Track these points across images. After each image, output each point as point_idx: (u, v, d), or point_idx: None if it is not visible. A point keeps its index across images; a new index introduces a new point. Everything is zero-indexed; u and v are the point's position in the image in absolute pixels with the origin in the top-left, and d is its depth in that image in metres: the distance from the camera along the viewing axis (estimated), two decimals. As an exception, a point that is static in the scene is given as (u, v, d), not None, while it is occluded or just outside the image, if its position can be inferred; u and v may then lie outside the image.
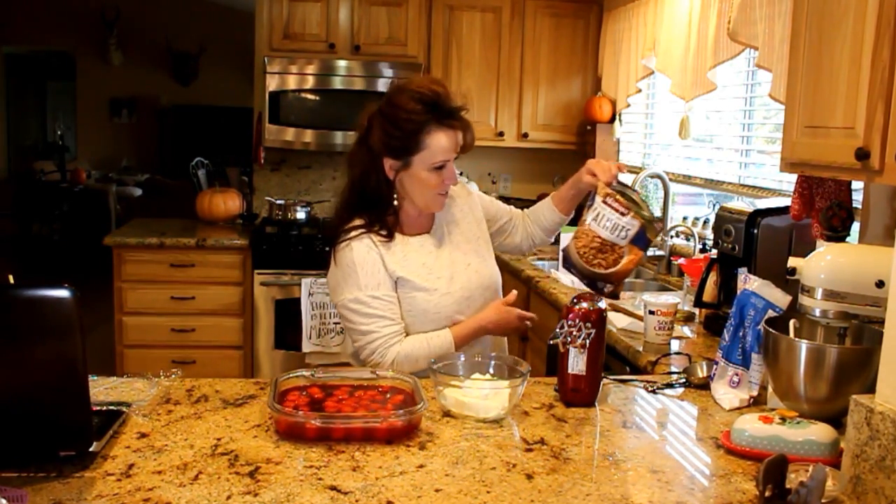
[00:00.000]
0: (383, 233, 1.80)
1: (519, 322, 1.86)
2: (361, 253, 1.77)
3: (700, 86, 2.94)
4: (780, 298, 1.60)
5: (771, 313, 1.60)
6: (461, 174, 4.22)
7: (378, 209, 1.80)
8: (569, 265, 1.80)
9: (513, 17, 4.08)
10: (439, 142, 1.73)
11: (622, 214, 1.73)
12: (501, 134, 4.14)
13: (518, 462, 1.32)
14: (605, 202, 1.74)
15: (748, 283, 1.64)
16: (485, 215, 1.99)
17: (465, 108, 1.79)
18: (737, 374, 1.63)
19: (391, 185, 1.78)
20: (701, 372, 1.74)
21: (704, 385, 1.73)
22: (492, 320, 1.83)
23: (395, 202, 1.80)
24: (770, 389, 1.59)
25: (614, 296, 1.81)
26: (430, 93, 1.73)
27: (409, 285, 1.79)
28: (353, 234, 1.79)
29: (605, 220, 1.74)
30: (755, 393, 1.62)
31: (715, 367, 1.68)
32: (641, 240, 1.74)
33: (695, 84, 2.97)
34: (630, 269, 1.75)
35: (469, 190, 2.02)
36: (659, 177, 3.38)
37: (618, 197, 1.74)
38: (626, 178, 3.97)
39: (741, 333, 1.63)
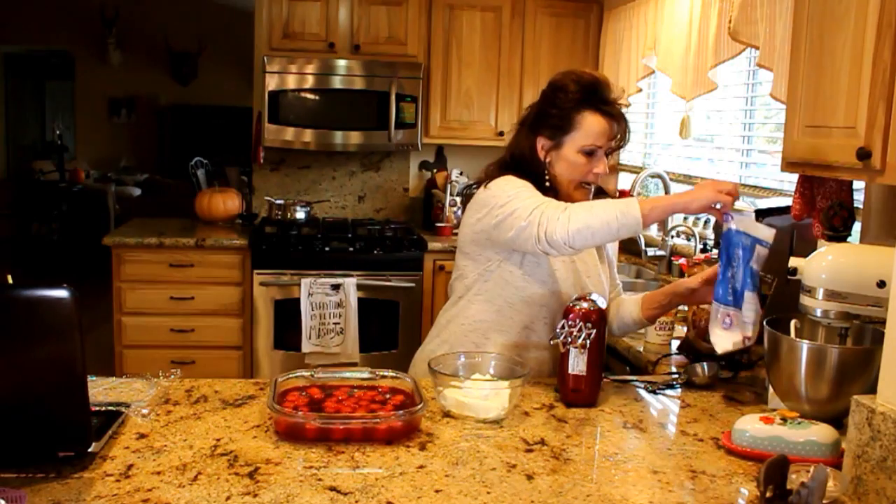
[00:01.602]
0: None
1: (714, 194, 1.58)
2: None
3: (701, 85, 2.94)
4: (767, 233, 1.57)
5: (760, 249, 1.56)
6: (461, 173, 4.22)
7: (531, 182, 1.77)
8: (696, 353, 1.85)
9: (513, 16, 4.08)
10: (591, 124, 1.74)
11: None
12: (501, 134, 4.13)
13: (518, 462, 1.31)
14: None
15: (731, 222, 1.58)
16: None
17: (624, 104, 1.81)
18: (728, 316, 1.57)
19: (543, 165, 1.79)
20: (701, 372, 1.74)
21: (705, 385, 1.73)
22: (685, 196, 1.63)
23: (548, 183, 1.78)
24: (771, 390, 1.58)
25: (752, 363, 1.86)
26: (590, 78, 1.78)
27: (531, 260, 1.75)
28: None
29: None
30: (749, 333, 1.55)
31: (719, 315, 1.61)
32: None
33: (695, 83, 2.97)
34: (757, 330, 1.71)
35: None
36: (659, 177, 3.37)
37: None
38: (626, 178, 3.97)
39: (730, 274, 1.57)
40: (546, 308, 1.78)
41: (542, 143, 1.78)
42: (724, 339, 1.56)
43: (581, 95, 1.74)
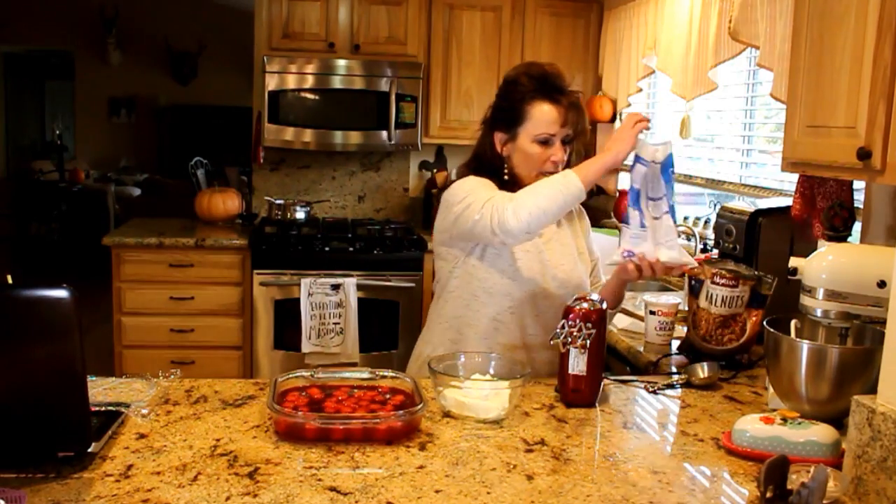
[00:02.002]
0: None
1: (632, 131, 1.67)
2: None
3: (701, 85, 2.94)
4: (650, 151, 1.61)
5: (638, 166, 1.61)
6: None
7: (493, 179, 1.83)
8: (697, 353, 1.88)
9: (513, 16, 4.07)
10: (541, 113, 1.77)
11: (733, 287, 1.81)
12: (501, 133, 4.14)
13: (518, 463, 1.31)
14: (713, 282, 1.83)
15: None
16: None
17: (576, 91, 1.83)
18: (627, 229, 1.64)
19: (502, 159, 1.83)
20: (702, 372, 1.74)
21: (705, 385, 1.73)
22: (612, 148, 1.70)
23: (506, 177, 1.82)
24: (771, 390, 1.58)
25: (752, 363, 1.87)
26: (539, 69, 1.82)
27: (492, 252, 1.80)
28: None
29: (718, 298, 1.83)
30: (641, 249, 1.63)
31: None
32: (757, 298, 1.82)
33: (696, 83, 2.97)
34: (758, 331, 1.78)
35: (587, 221, 2.04)
36: (659, 176, 3.37)
37: (722, 272, 1.82)
38: (626, 178, 3.97)
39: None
40: (509, 297, 1.81)
41: (499, 137, 1.83)
42: (626, 242, 1.64)
43: (531, 86, 1.79)
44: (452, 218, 1.78)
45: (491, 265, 1.81)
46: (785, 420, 1.37)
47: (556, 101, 1.78)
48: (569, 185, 1.65)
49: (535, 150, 1.78)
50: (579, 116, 1.81)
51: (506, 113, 1.82)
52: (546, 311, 1.82)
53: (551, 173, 1.77)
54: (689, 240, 3.18)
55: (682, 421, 1.57)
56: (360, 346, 3.62)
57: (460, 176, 1.86)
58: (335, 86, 3.94)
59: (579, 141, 1.83)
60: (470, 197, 1.74)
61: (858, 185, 2.02)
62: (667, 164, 1.60)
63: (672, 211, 1.62)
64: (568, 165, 1.82)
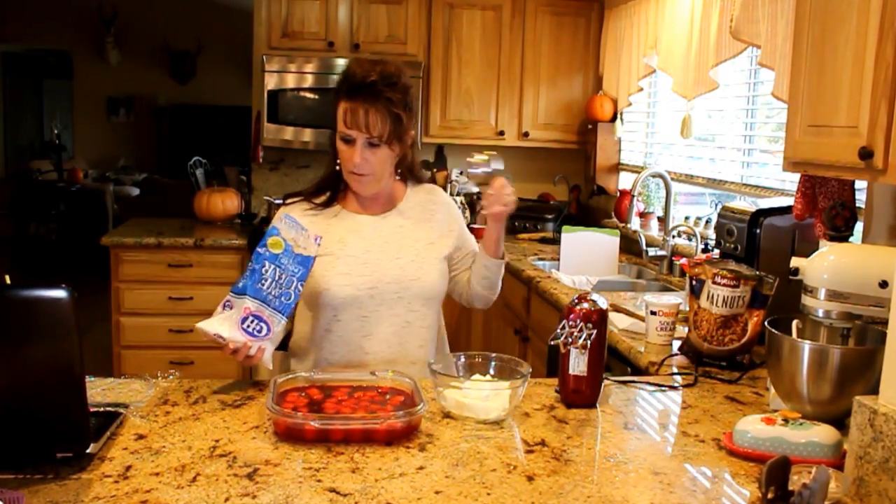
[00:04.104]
0: (319, 200, 1.82)
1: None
2: (279, 218, 1.78)
3: (702, 84, 2.93)
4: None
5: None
6: (461, 173, 4.21)
7: (334, 178, 1.83)
8: (698, 353, 1.87)
9: (513, 15, 4.07)
10: (340, 113, 1.73)
11: (734, 287, 1.80)
12: (502, 133, 4.13)
13: (519, 464, 1.31)
14: (714, 282, 1.82)
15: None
16: (459, 241, 1.90)
17: (376, 88, 1.69)
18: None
19: (335, 153, 1.80)
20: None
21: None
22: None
23: (337, 167, 1.80)
24: (772, 390, 1.58)
25: (753, 364, 1.86)
26: (351, 66, 1.76)
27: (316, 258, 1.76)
28: (290, 200, 1.87)
29: (720, 298, 1.82)
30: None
31: None
32: (758, 299, 1.81)
33: (697, 83, 2.96)
34: (759, 331, 1.77)
35: (454, 207, 1.95)
36: (661, 176, 3.37)
37: (724, 272, 1.81)
38: (627, 178, 3.96)
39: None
40: (325, 306, 1.76)
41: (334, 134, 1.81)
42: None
43: (340, 84, 1.75)
44: None
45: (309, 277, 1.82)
46: (786, 421, 1.36)
47: (355, 101, 1.70)
48: None
49: (342, 148, 1.75)
50: (382, 120, 1.69)
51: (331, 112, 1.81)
52: (385, 305, 1.82)
53: (357, 174, 1.74)
54: (690, 240, 3.17)
55: (683, 422, 1.56)
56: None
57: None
58: (335, 85, 3.93)
59: (400, 145, 1.75)
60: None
61: (860, 184, 2.01)
62: None
63: None
64: (404, 167, 1.81)
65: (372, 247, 1.80)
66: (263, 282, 1.59)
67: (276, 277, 1.58)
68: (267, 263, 1.59)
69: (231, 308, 1.60)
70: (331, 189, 1.84)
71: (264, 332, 1.58)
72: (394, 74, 1.72)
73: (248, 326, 1.57)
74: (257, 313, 1.58)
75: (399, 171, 1.84)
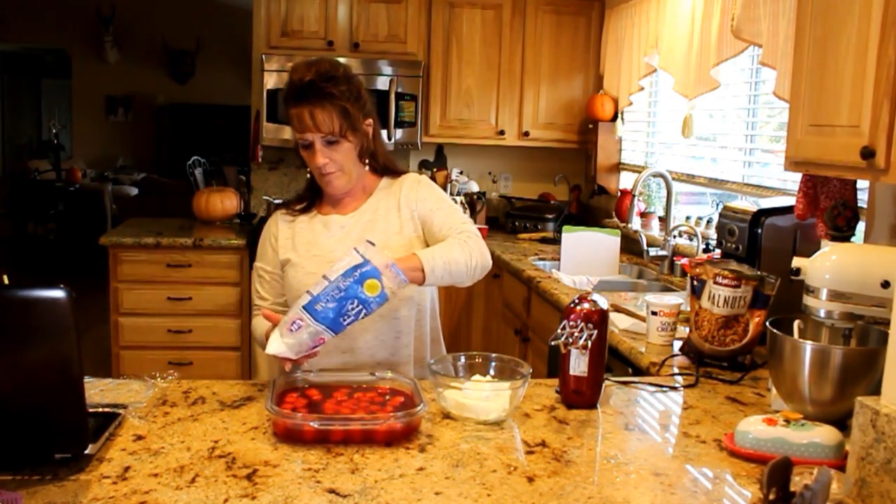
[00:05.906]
0: (298, 207, 1.84)
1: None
2: (265, 228, 1.88)
3: (703, 84, 2.93)
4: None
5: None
6: (461, 173, 4.21)
7: (312, 186, 1.85)
8: (699, 354, 1.86)
9: (514, 14, 4.06)
10: (292, 119, 1.72)
11: (736, 287, 1.80)
12: (502, 132, 4.13)
13: (519, 464, 1.30)
14: (715, 282, 1.82)
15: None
16: (423, 219, 1.81)
17: (315, 87, 1.67)
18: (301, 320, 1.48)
19: (304, 162, 1.79)
20: None
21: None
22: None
23: (309, 175, 1.81)
24: (774, 391, 1.57)
25: (754, 364, 1.86)
26: (291, 73, 1.73)
27: (289, 263, 1.79)
28: (278, 210, 1.90)
29: (721, 299, 1.82)
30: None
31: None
32: (760, 299, 1.81)
33: (698, 82, 2.96)
34: (761, 331, 1.77)
35: (421, 185, 1.85)
36: (662, 176, 3.36)
37: (725, 272, 1.81)
38: (628, 178, 3.96)
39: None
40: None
41: None
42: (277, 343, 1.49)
43: (286, 94, 1.72)
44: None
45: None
46: (788, 421, 1.36)
47: (299, 106, 1.68)
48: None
49: (304, 155, 1.73)
50: (330, 116, 1.67)
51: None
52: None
53: (325, 175, 1.72)
54: (691, 240, 3.17)
55: (684, 422, 1.56)
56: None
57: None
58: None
59: (357, 135, 1.72)
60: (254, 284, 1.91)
61: (862, 184, 2.00)
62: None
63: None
64: (369, 155, 1.78)
65: (338, 245, 1.76)
66: (346, 317, 1.49)
67: (359, 315, 1.50)
68: (356, 302, 1.48)
69: (299, 328, 1.48)
70: (310, 196, 1.85)
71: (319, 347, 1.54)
72: (330, 70, 1.70)
73: (316, 347, 1.53)
74: (327, 338, 1.52)
75: (367, 162, 1.80)
